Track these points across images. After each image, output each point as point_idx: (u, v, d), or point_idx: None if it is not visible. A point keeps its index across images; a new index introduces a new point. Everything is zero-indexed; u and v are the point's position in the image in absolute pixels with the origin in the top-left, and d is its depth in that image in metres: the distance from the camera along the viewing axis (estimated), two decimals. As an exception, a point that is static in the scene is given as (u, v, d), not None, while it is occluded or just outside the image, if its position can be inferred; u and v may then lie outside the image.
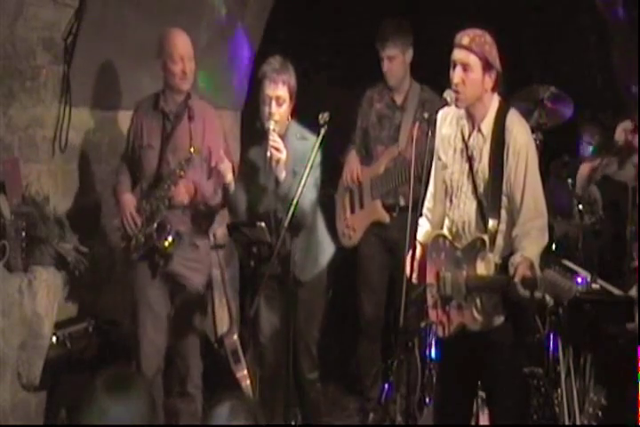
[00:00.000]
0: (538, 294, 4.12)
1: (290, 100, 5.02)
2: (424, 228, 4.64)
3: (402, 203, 5.85)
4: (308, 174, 4.70)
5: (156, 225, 5.18)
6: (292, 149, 4.95)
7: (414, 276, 4.59)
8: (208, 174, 5.30)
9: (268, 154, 4.89)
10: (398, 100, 6.04)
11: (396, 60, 5.92)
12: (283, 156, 4.89)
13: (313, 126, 4.95)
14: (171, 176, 5.19)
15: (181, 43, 5.25)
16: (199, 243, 5.36)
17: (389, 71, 5.95)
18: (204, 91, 6.44)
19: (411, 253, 4.50)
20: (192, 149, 5.14)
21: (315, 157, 4.74)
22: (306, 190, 4.79)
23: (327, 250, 5.32)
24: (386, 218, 5.97)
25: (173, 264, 5.27)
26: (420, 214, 4.66)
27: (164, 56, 5.24)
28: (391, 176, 5.91)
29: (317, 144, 4.76)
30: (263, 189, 5.10)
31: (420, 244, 4.62)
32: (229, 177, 5.03)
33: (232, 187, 5.06)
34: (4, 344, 4.98)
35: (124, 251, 5.29)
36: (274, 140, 4.90)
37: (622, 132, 5.85)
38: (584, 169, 6.11)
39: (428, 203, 4.65)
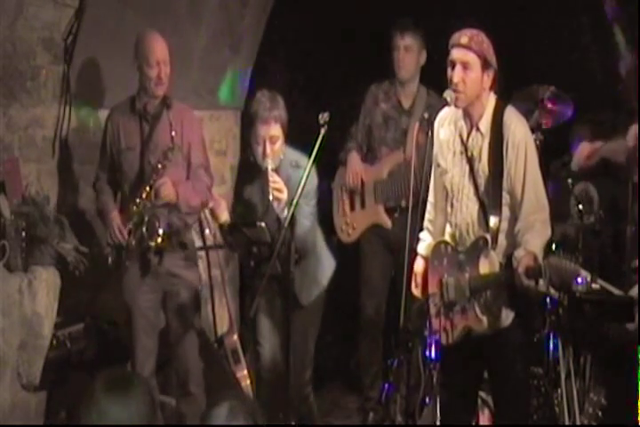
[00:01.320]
0: (542, 283, 4.13)
1: (283, 134, 5.00)
2: (426, 241, 4.64)
3: (403, 204, 5.84)
4: (307, 180, 4.69)
5: (145, 227, 5.16)
6: (287, 178, 4.93)
7: (418, 290, 4.59)
8: (187, 173, 5.30)
9: (270, 197, 4.87)
10: (406, 103, 6.02)
11: (411, 53, 5.90)
12: (284, 195, 4.87)
13: (313, 127, 4.95)
14: (154, 169, 5.17)
15: (158, 47, 5.24)
16: (186, 241, 5.36)
17: (402, 61, 5.93)
18: (204, 91, 6.46)
19: (413, 266, 4.51)
20: (173, 135, 5.13)
21: (315, 150, 4.73)
22: (303, 219, 4.82)
23: (327, 269, 5.29)
24: (387, 223, 5.96)
25: (164, 264, 5.26)
26: (421, 229, 4.66)
27: (140, 59, 5.23)
28: (396, 183, 5.89)
29: (309, 170, 4.71)
30: (264, 228, 5.04)
31: (423, 258, 4.62)
32: (225, 216, 5.03)
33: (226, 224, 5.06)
34: (4, 344, 4.98)
35: (115, 264, 5.28)
36: (274, 181, 4.87)
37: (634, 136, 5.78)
38: (583, 150, 5.99)
39: (428, 215, 4.64)
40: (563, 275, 4.07)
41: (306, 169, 4.76)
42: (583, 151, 5.92)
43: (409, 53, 5.91)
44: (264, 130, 4.94)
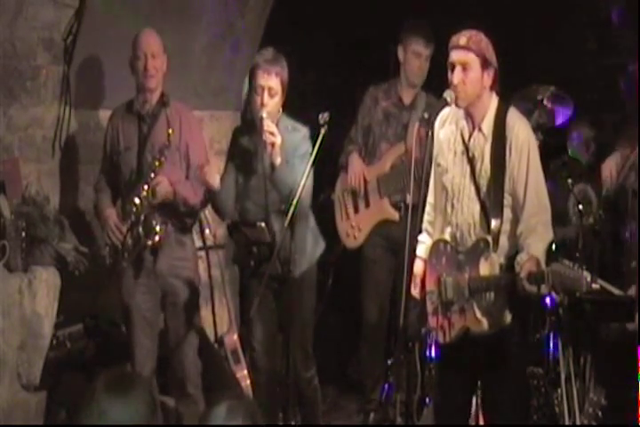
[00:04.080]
0: (544, 289, 4.12)
1: (282, 92, 5.04)
2: (425, 244, 4.62)
3: (408, 200, 5.80)
4: (310, 171, 4.71)
5: (142, 225, 5.15)
6: (284, 141, 4.96)
7: (417, 292, 4.58)
8: (186, 173, 5.30)
9: (264, 137, 4.90)
10: (407, 100, 6.02)
11: (428, 62, 5.92)
12: (278, 140, 4.91)
13: (312, 126, 4.96)
14: (150, 167, 5.16)
15: (145, 40, 5.26)
16: (185, 240, 5.35)
17: (421, 70, 5.93)
18: (203, 91, 6.47)
19: (413, 267, 4.51)
20: (170, 132, 5.14)
21: (315, 150, 4.77)
22: (298, 178, 4.83)
23: (318, 245, 5.30)
24: (395, 216, 5.93)
25: (162, 264, 5.25)
26: (420, 231, 4.65)
27: (131, 56, 5.26)
28: (399, 174, 5.86)
29: (309, 134, 4.84)
30: (257, 176, 5.10)
31: (423, 260, 4.61)
32: (217, 179, 5.06)
33: (217, 186, 5.10)
34: (4, 344, 4.98)
35: (113, 264, 5.27)
36: (268, 125, 4.92)
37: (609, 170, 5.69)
38: (607, 169, 5.86)
39: (427, 216, 4.62)
40: (566, 282, 4.05)
41: (302, 132, 4.89)
42: (612, 172, 5.76)
43: (427, 62, 5.93)
44: (264, 79, 4.99)
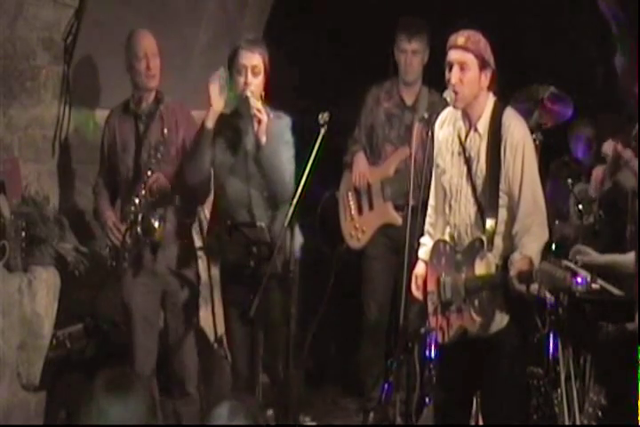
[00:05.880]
0: (534, 288, 4.13)
1: (264, 72, 5.02)
2: (427, 246, 4.62)
3: (412, 202, 5.80)
4: (312, 167, 4.70)
5: (140, 224, 5.14)
6: (269, 127, 4.94)
7: (419, 292, 4.58)
8: None
9: (252, 112, 4.88)
10: (409, 100, 6.01)
11: (418, 56, 5.91)
12: (264, 118, 4.90)
13: (314, 127, 4.95)
14: (146, 165, 5.17)
15: (144, 41, 5.26)
16: (185, 239, 5.34)
17: (410, 66, 5.93)
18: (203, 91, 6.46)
19: (414, 267, 4.51)
20: (165, 129, 5.16)
21: (315, 150, 4.75)
22: (287, 164, 4.89)
23: (296, 238, 5.26)
24: (398, 220, 5.93)
25: (162, 264, 5.25)
26: (422, 234, 4.65)
27: (129, 56, 5.25)
28: (403, 179, 5.85)
29: (291, 123, 4.85)
30: (242, 154, 5.06)
31: (425, 262, 4.61)
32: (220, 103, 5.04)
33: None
34: (4, 344, 4.99)
35: (114, 265, 5.27)
36: (254, 102, 4.92)
37: (611, 144, 5.73)
38: (598, 172, 5.94)
39: (429, 218, 4.62)
40: (554, 281, 4.06)
41: (285, 120, 4.93)
42: (598, 176, 5.82)
43: (416, 56, 5.92)
44: (247, 58, 4.97)
